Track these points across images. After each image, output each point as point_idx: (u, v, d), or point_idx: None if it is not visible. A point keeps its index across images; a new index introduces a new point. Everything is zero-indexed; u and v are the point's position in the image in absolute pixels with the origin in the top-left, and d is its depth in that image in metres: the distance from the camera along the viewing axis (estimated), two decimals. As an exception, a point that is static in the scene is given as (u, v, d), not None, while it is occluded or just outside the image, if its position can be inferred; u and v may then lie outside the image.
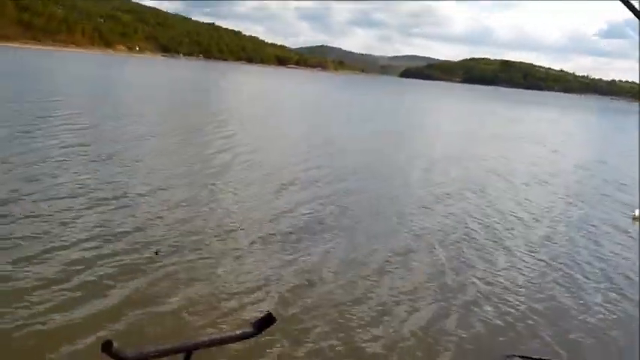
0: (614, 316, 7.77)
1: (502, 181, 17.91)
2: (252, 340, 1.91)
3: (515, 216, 13.12)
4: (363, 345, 6.20)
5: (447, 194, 14.84)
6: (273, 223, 10.51)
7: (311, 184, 14.21)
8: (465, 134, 34.61)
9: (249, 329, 1.86)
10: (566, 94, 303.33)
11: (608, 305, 8.12)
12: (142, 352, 1.62)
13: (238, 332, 1.85)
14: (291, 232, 10.02)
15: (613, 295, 8.59)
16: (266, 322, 1.85)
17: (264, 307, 6.68)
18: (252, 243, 9.21)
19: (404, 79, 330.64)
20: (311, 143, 22.78)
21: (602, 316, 7.74)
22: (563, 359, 6.29)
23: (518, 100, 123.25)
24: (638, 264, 10.17)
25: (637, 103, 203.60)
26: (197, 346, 1.74)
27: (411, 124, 38.17)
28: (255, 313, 6.20)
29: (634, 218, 13.72)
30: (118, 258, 7.91)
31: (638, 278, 9.34)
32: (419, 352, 6.21)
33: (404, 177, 17.03)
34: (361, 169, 17.38)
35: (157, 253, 7.91)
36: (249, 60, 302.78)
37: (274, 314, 1.87)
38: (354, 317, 6.86)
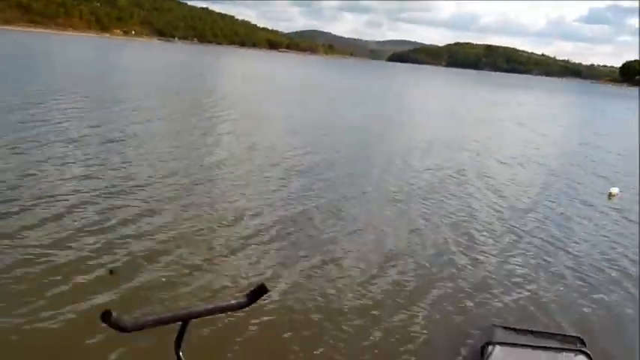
0: (589, 286, 7.85)
1: (487, 161, 17.96)
2: (246, 309, 1.94)
3: (499, 194, 13.18)
4: (347, 318, 6.19)
5: (434, 175, 14.89)
6: (270, 206, 10.52)
7: (303, 170, 14.14)
8: (453, 117, 34.54)
9: (243, 299, 1.88)
10: (548, 78, 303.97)
11: (584, 276, 8.20)
12: (140, 322, 1.64)
13: (233, 302, 1.87)
14: (284, 214, 10.03)
15: (590, 266, 8.65)
16: (259, 292, 1.87)
17: (257, 280, 6.72)
18: (244, 222, 9.23)
19: (392, 63, 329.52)
20: (304, 127, 22.72)
21: (578, 286, 7.82)
22: (544, 328, 6.34)
23: (501, 84, 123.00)
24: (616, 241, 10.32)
25: (612, 85, 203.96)
26: (193, 316, 1.75)
27: (400, 107, 37.80)
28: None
29: (609, 195, 13.86)
30: (107, 233, 7.91)
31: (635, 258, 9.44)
32: (402, 324, 6.21)
33: (394, 159, 17.04)
34: (351, 155, 17.38)
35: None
36: (242, 44, 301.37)
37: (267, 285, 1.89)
38: (341, 292, 6.85)
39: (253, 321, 5.78)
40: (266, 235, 8.54)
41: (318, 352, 5.46)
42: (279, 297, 6.42)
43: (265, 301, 6.05)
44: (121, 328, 1.60)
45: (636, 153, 22.49)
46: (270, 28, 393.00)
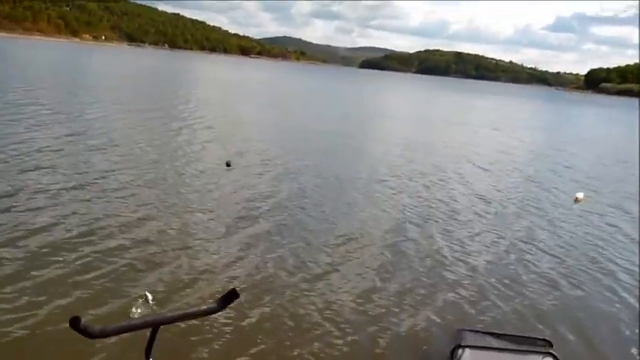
0: (555, 288, 7.97)
1: (463, 165, 18.14)
2: (217, 315, 1.91)
3: (469, 196, 13.32)
4: (316, 324, 6.14)
5: (403, 175, 14.99)
6: (238, 204, 10.47)
7: (278, 172, 14.15)
8: (429, 122, 34.88)
9: (213, 304, 1.85)
10: (516, 85, 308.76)
11: (553, 277, 8.32)
12: (109, 328, 1.61)
13: (203, 307, 1.85)
14: (253, 213, 9.99)
15: (558, 267, 8.79)
16: (230, 297, 1.85)
17: (229, 285, 6.68)
18: (217, 223, 9.16)
19: (364, 70, 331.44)
20: (280, 131, 22.71)
21: (546, 288, 7.92)
22: (511, 331, 6.39)
23: (472, 90, 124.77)
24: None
25: (579, 93, 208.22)
26: (163, 322, 1.73)
27: (377, 112, 38.12)
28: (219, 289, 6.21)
29: (576, 200, 14.13)
30: (77, 239, 7.77)
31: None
32: (370, 329, 6.21)
33: (364, 160, 17.10)
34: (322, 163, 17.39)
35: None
36: (213, 49, 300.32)
37: (238, 290, 1.86)
38: (310, 298, 6.82)
39: (225, 327, 5.74)
40: (237, 241, 8.49)
41: (289, 357, 5.44)
42: (251, 302, 6.38)
43: (236, 307, 6.01)
44: (90, 335, 1.57)
45: (604, 158, 23.07)
46: (241, 34, 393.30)
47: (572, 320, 7.02)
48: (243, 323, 5.91)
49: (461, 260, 8.78)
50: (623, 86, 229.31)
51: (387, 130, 27.63)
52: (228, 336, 5.64)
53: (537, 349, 5.28)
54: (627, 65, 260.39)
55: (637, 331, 6.84)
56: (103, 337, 1.61)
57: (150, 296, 6.22)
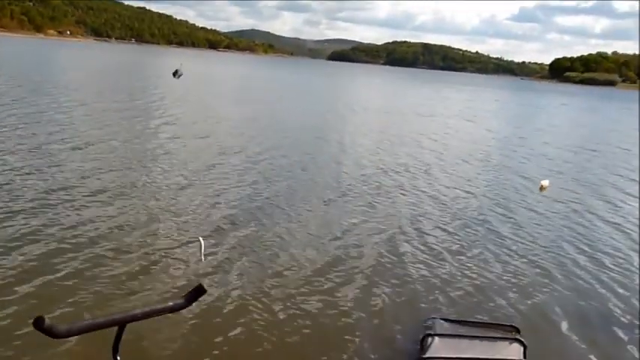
0: (522, 273, 8.11)
1: (430, 155, 18.27)
2: (184, 311, 1.90)
3: (440, 186, 13.47)
4: (283, 319, 6.12)
5: (370, 172, 15.08)
6: (209, 200, 10.42)
7: (248, 168, 14.10)
8: (400, 114, 34.95)
9: (180, 300, 1.83)
10: (483, 75, 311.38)
11: (520, 265, 8.47)
12: (75, 327, 1.58)
13: (170, 304, 1.82)
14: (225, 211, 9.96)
15: (525, 253, 8.94)
16: (197, 293, 1.83)
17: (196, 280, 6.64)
18: (184, 220, 9.11)
19: (332, 62, 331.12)
20: (259, 127, 22.57)
21: (510, 275, 8.05)
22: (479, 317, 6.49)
23: (440, 81, 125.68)
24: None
25: (544, 82, 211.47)
26: (129, 319, 1.70)
27: (348, 105, 37.76)
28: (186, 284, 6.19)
29: (541, 188, 14.38)
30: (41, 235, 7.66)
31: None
32: (342, 320, 6.23)
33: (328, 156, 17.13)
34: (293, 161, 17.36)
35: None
36: (181, 44, 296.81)
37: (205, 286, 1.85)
38: (277, 292, 6.79)
39: (193, 323, 5.70)
40: (206, 235, 8.43)
41: (255, 352, 5.44)
42: (219, 298, 6.35)
43: (204, 302, 5.98)
44: (55, 335, 1.53)
45: (573, 146, 23.61)
46: (209, 27, 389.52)
47: (538, 306, 7.15)
48: (212, 319, 5.89)
49: (428, 247, 8.90)
50: (586, 75, 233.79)
51: (361, 123, 27.62)
52: (196, 332, 5.60)
53: (505, 335, 5.40)
54: (590, 54, 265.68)
55: (603, 314, 7.03)
56: (68, 337, 1.58)
57: (203, 243, 6.37)
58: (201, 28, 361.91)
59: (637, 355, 6.08)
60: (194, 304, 1.89)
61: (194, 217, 9.30)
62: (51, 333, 1.53)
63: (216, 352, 5.34)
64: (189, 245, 7.89)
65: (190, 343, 5.43)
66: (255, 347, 5.51)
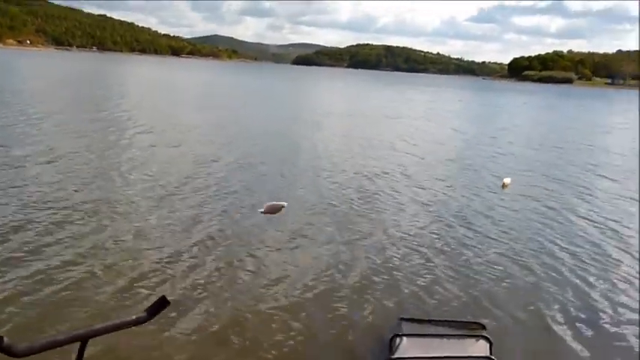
0: (486, 270, 8.24)
1: (395, 156, 18.40)
2: (147, 324, 1.87)
3: (407, 186, 13.57)
4: (252, 325, 6.10)
5: (340, 177, 15.14)
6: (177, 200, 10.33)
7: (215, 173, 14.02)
8: (364, 117, 35.08)
9: (143, 314, 1.80)
10: (444, 76, 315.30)
11: (480, 262, 8.57)
12: (35, 345, 1.53)
13: (132, 317, 1.78)
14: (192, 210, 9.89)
15: (485, 251, 9.06)
16: (159, 305, 1.81)
17: (159, 290, 6.58)
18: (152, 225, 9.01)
19: (297, 67, 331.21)
20: (228, 134, 22.45)
21: (475, 273, 8.16)
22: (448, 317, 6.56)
23: (403, 82, 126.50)
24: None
25: (504, 81, 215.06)
26: (90, 335, 1.66)
27: (313, 108, 37.80)
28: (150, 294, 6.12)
29: (503, 185, 14.63)
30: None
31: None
32: (310, 322, 6.23)
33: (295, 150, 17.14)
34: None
35: None
36: (143, 51, 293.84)
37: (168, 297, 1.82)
38: (245, 299, 6.76)
39: (155, 337, 5.58)
40: (169, 247, 8.36)
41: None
42: (183, 310, 6.24)
43: (167, 315, 5.85)
44: (15, 354, 1.48)
45: (534, 144, 24.03)
46: (171, 34, 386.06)
47: (503, 303, 7.24)
48: (175, 332, 5.77)
49: (395, 247, 8.97)
50: (544, 73, 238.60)
51: (326, 128, 27.63)
52: (159, 346, 5.49)
53: (471, 333, 5.48)
54: (547, 53, 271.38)
55: (569, 310, 7.17)
56: (29, 355, 1.51)
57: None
58: (164, 34, 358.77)
59: (600, 348, 6.23)
60: (156, 316, 1.84)
61: (173, 229, 9.14)
62: (10, 352, 1.48)
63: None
64: (166, 260, 7.78)
65: (153, 357, 5.34)
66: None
